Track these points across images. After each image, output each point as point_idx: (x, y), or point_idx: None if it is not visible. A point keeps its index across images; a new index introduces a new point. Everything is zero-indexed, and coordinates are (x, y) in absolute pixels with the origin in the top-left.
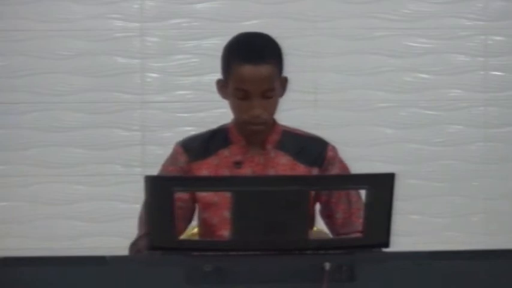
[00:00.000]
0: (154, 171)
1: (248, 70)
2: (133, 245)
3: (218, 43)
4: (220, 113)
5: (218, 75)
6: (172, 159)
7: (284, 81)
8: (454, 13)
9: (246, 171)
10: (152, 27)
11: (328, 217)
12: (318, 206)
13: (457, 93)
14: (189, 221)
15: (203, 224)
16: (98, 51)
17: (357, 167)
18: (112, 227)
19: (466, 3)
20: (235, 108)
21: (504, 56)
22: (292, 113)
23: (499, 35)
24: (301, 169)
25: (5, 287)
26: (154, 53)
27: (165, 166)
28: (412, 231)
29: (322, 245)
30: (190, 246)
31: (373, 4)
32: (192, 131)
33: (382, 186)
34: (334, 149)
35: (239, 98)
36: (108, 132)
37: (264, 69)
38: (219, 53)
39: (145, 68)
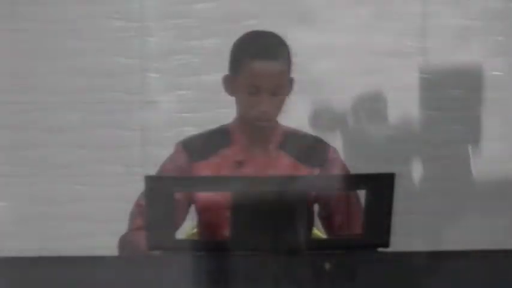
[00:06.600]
0: (155, 171)
1: (260, 65)
2: (124, 238)
3: (218, 43)
4: (220, 113)
5: (218, 75)
6: (172, 158)
7: (291, 82)
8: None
9: (248, 171)
10: (152, 27)
11: (325, 218)
12: (316, 207)
13: None
14: (182, 222)
15: (203, 224)
16: (98, 51)
17: None
18: (112, 227)
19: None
20: (242, 104)
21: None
22: None
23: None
24: (303, 170)
25: (5, 287)
26: (154, 53)
27: (164, 165)
28: (412, 231)
29: (322, 245)
30: (190, 246)
31: None
32: (192, 131)
33: (382, 186)
34: (336, 150)
35: (248, 93)
36: (109, 133)
37: (275, 66)
38: (219, 53)
39: (146, 68)
